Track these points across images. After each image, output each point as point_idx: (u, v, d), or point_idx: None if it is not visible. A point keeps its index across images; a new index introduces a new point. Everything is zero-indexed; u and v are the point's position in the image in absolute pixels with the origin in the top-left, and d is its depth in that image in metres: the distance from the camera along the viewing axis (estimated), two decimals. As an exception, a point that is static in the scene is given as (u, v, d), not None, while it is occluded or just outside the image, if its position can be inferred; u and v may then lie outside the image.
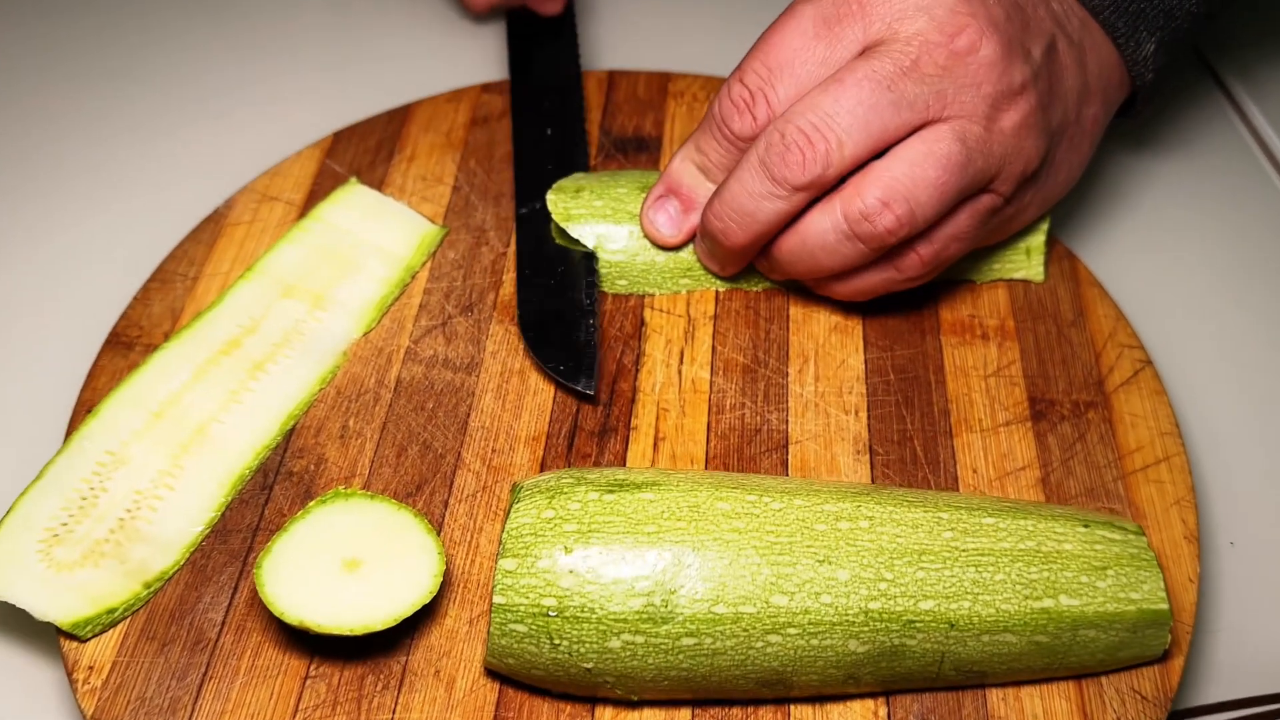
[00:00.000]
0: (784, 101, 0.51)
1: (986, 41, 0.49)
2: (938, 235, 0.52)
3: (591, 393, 0.53)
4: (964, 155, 0.50)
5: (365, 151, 0.65)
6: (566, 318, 0.56)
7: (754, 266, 0.57)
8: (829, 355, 0.56)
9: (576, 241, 0.58)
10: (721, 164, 0.54)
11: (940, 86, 0.49)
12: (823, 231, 0.51)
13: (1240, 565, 0.54)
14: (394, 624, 0.43)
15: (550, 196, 0.59)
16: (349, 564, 0.45)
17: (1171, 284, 0.65)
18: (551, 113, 0.66)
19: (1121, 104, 0.60)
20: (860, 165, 0.50)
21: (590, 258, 0.58)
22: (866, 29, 0.50)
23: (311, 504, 0.47)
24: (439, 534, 0.49)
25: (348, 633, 0.43)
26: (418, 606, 0.44)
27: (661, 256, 0.58)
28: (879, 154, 0.50)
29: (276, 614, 0.43)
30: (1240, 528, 0.56)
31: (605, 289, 0.58)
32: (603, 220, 0.58)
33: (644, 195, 0.58)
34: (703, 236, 0.56)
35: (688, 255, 0.58)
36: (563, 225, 0.58)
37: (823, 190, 0.51)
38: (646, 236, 0.58)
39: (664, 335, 0.57)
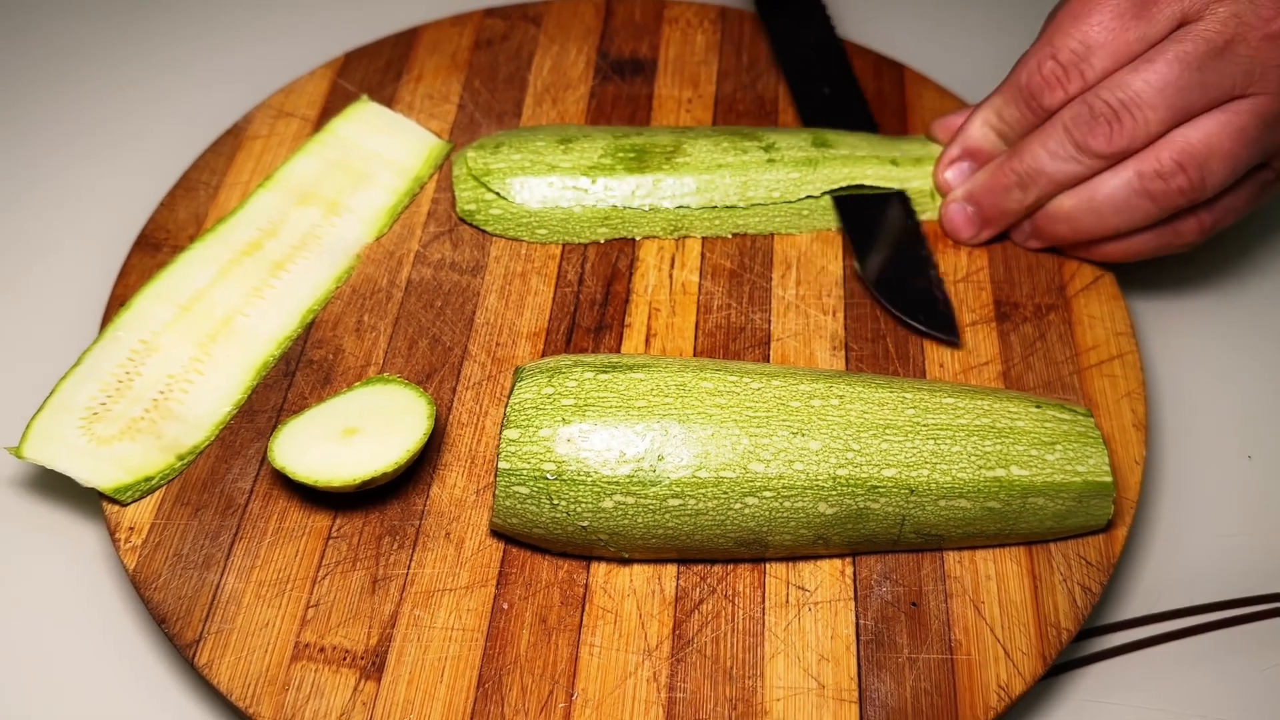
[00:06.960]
0: (1098, 77, 0.53)
1: None
2: (1220, 204, 0.56)
3: (956, 340, 0.57)
4: (1260, 131, 0.52)
5: (375, 71, 0.68)
6: (909, 269, 0.59)
7: None
8: (810, 262, 0.60)
9: (500, 195, 0.60)
10: (1024, 134, 0.57)
11: (1249, 66, 0.51)
12: (1114, 189, 0.54)
13: (1189, 457, 0.59)
14: (351, 486, 0.47)
15: (470, 154, 0.61)
16: (347, 431, 0.49)
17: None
18: (825, 74, 0.68)
19: None
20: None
21: (902, 197, 0.61)
22: (1183, 7, 0.51)
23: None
24: (448, 415, 0.53)
25: (310, 483, 0.48)
26: (371, 475, 0.48)
27: (578, 207, 0.59)
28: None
29: (273, 465, 0.48)
30: (1190, 425, 0.60)
31: (525, 238, 0.60)
32: (521, 173, 0.60)
33: (562, 148, 0.60)
34: (981, 195, 0.59)
35: (601, 205, 0.60)
36: (482, 180, 0.60)
37: (1121, 160, 0.54)
38: (937, 189, 0.61)
39: (656, 243, 0.61)
